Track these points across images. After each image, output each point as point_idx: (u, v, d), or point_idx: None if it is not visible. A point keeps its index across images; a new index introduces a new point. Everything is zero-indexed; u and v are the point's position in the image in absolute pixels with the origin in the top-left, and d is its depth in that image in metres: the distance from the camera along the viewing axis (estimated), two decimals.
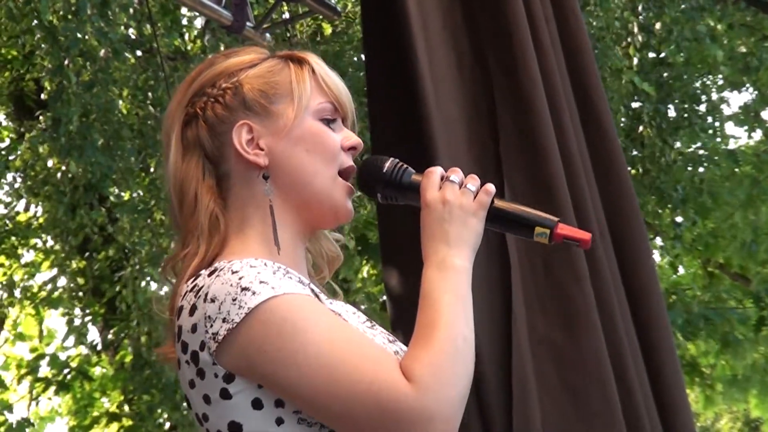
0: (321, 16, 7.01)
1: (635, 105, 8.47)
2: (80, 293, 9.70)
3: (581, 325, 2.87)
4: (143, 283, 8.30)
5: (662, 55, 8.39)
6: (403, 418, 1.49)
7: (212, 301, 1.52)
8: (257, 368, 1.52)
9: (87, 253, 9.18)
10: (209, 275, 1.56)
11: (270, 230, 1.64)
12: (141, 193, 8.38)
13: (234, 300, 1.51)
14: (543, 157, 2.96)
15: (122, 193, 8.67)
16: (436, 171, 1.65)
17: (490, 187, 1.65)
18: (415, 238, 3.06)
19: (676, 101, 8.39)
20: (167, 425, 9.36)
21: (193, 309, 1.54)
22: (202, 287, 1.54)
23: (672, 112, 8.48)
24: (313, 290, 1.59)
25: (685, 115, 8.50)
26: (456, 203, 1.62)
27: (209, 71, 1.71)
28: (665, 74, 8.38)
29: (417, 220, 3.10)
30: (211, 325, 1.52)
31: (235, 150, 1.65)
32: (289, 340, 1.50)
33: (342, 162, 1.70)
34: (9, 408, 9.81)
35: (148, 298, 8.05)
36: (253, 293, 1.50)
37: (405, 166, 1.68)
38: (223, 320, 1.50)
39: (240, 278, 1.52)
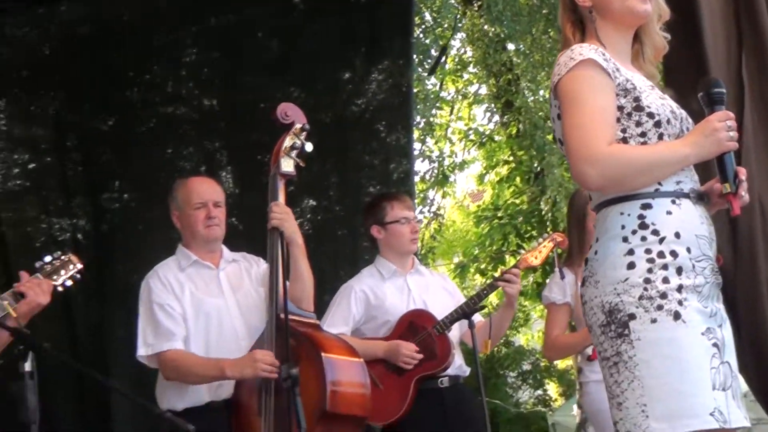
0: None
1: None
2: (491, 96, 12.61)
3: None
4: (525, 90, 11.00)
5: None
6: (580, 152, 2.42)
7: (557, 64, 2.58)
8: (561, 102, 2.54)
9: (500, 77, 11.93)
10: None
11: (599, 34, 2.66)
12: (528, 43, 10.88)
13: (565, 64, 2.55)
14: None
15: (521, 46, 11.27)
16: (727, 115, 2.46)
17: (735, 146, 2.39)
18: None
19: None
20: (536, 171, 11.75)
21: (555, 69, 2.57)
22: (558, 61, 2.57)
23: None
24: (615, 64, 2.55)
25: None
26: (718, 134, 2.44)
27: None
28: None
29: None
30: (555, 73, 2.58)
31: (578, 3, 2.71)
32: (577, 89, 2.49)
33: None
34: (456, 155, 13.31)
35: (528, 99, 10.71)
36: (573, 60, 2.53)
37: (723, 99, 2.49)
38: (558, 74, 2.56)
39: (572, 52, 2.56)
